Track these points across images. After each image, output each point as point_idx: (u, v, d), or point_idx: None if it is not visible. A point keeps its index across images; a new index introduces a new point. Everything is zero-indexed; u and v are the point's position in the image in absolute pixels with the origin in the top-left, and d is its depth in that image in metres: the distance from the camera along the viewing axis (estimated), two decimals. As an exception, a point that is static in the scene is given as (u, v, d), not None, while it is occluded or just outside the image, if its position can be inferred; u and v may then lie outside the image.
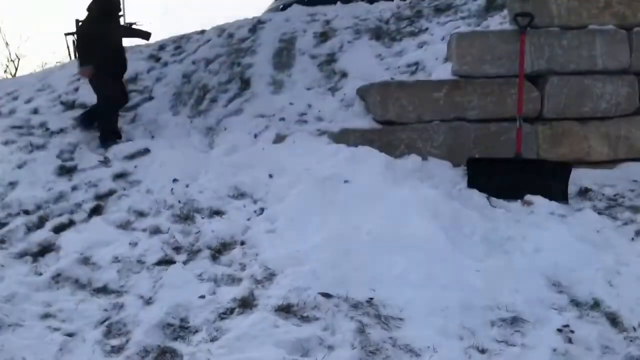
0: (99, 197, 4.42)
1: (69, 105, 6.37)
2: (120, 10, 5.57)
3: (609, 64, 5.12)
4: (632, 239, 3.72)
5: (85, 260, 3.49)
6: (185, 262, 3.46)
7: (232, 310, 2.95)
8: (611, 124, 5.15)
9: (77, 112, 6.21)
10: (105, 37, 5.42)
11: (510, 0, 5.14)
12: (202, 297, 3.06)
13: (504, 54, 5.03)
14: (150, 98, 6.36)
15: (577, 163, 4.91)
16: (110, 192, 4.49)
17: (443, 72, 5.30)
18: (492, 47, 5.04)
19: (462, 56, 5.07)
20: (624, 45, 5.15)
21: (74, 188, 4.57)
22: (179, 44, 7.93)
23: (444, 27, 6.52)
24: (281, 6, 11.33)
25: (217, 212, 4.14)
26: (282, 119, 5.50)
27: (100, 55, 5.35)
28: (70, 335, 2.80)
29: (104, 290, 3.22)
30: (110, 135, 5.47)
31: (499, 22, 5.96)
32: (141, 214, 4.12)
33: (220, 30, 7.95)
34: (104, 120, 5.54)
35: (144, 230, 3.87)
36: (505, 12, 5.99)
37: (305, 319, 2.85)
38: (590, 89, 5.10)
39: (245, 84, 6.36)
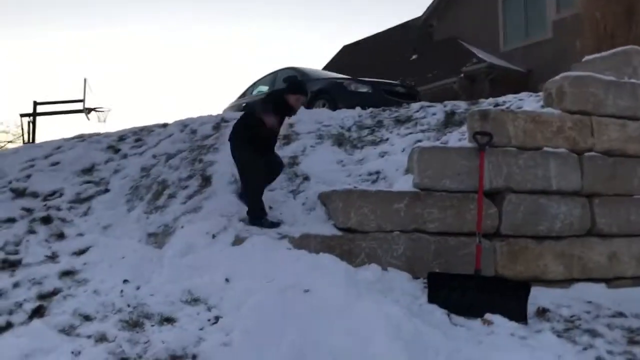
0: (42, 297, 4.14)
1: (19, 193, 6.13)
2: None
3: (563, 185, 5.32)
4: (593, 365, 3.68)
5: (20, 371, 3.20)
6: (131, 377, 3.21)
7: None
8: (565, 244, 5.28)
9: (27, 200, 5.98)
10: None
11: (471, 119, 5.36)
12: (149, 419, 2.80)
13: (464, 170, 5.17)
14: (106, 190, 6.20)
15: (534, 281, 4.95)
16: (55, 292, 4.22)
17: (404, 183, 5.39)
18: (452, 162, 5.18)
19: (423, 170, 5.18)
20: (575, 168, 5.39)
21: (16, 285, 4.29)
22: (139, 136, 7.89)
23: (404, 139, 6.72)
24: (244, 104, 11.57)
25: (169, 320, 3.92)
26: (242, 220, 5.40)
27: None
28: None
29: (39, 407, 2.92)
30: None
31: (457, 138, 6.18)
32: (87, 318, 3.86)
33: (183, 125, 7.99)
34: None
35: (89, 337, 3.60)
36: (464, 128, 6.26)
37: None
38: (545, 208, 5.26)
39: (206, 181, 6.29)
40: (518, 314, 4.34)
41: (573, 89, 5.55)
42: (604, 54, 6.37)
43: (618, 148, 5.57)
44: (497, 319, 4.21)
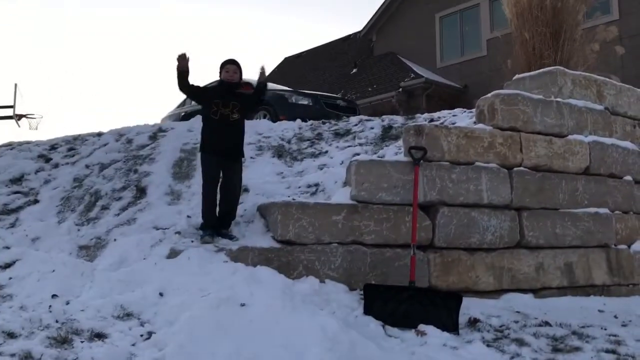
0: (-37, 313, 3.93)
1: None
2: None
3: (494, 199, 5.52)
4: (520, 372, 3.82)
5: (-64, 394, 3.02)
6: (57, 396, 3.08)
7: None
8: (496, 256, 5.46)
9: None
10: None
11: (406, 134, 5.49)
12: None
13: (399, 183, 5.28)
14: (36, 201, 5.97)
15: (466, 292, 5.11)
16: (-23, 307, 4.02)
17: (342, 195, 5.44)
18: (388, 175, 5.28)
19: (360, 182, 5.25)
20: (505, 183, 5.61)
21: None
22: (72, 145, 7.66)
23: (343, 152, 6.81)
24: (183, 114, 11.43)
25: (99, 335, 3.79)
26: (178, 233, 5.31)
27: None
28: None
29: None
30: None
31: (394, 151, 6.31)
32: (11, 335, 3.67)
33: (119, 134, 7.81)
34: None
35: (13, 355, 3.43)
36: (400, 142, 6.40)
37: None
38: (477, 221, 5.44)
39: (141, 192, 6.17)
40: (450, 325, 4.45)
41: (504, 106, 5.79)
42: (532, 73, 6.68)
43: (545, 164, 5.84)
44: (430, 329, 4.31)
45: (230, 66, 5.41)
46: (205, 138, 5.38)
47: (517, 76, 6.78)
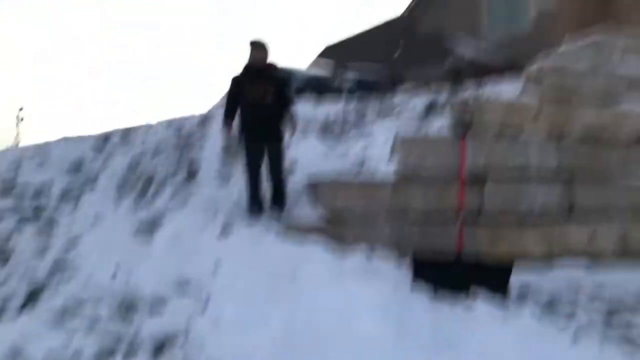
0: (35, 285, 4.22)
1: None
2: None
3: (542, 169, 5.47)
4: (570, 343, 3.78)
5: (15, 355, 3.26)
6: (124, 357, 3.28)
7: (174, 410, 2.79)
8: (545, 226, 5.42)
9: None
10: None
11: (451, 108, 5.50)
12: (143, 395, 2.88)
13: (445, 156, 5.29)
14: (93, 188, 6.25)
15: (516, 260, 5.07)
16: (48, 280, 4.30)
17: (388, 170, 5.50)
18: (433, 150, 5.31)
19: (405, 157, 5.30)
20: (553, 154, 5.54)
21: (8, 276, 4.35)
22: (125, 135, 7.93)
23: (387, 128, 6.84)
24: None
25: (160, 302, 4.01)
26: (228, 213, 5.48)
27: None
28: None
29: (35, 388, 2.99)
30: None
31: (439, 126, 6.30)
32: (80, 303, 3.94)
33: (168, 123, 8.04)
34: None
35: (82, 320, 3.68)
36: (445, 116, 6.39)
37: (252, 420, 2.72)
38: (525, 191, 5.40)
39: (192, 176, 6.38)
40: (500, 294, 4.41)
41: (551, 75, 5.71)
42: (580, 42, 6.52)
43: (594, 133, 5.72)
44: (479, 297, 4.32)
45: (254, 50, 5.43)
46: (241, 123, 5.49)
47: (564, 45, 6.64)
